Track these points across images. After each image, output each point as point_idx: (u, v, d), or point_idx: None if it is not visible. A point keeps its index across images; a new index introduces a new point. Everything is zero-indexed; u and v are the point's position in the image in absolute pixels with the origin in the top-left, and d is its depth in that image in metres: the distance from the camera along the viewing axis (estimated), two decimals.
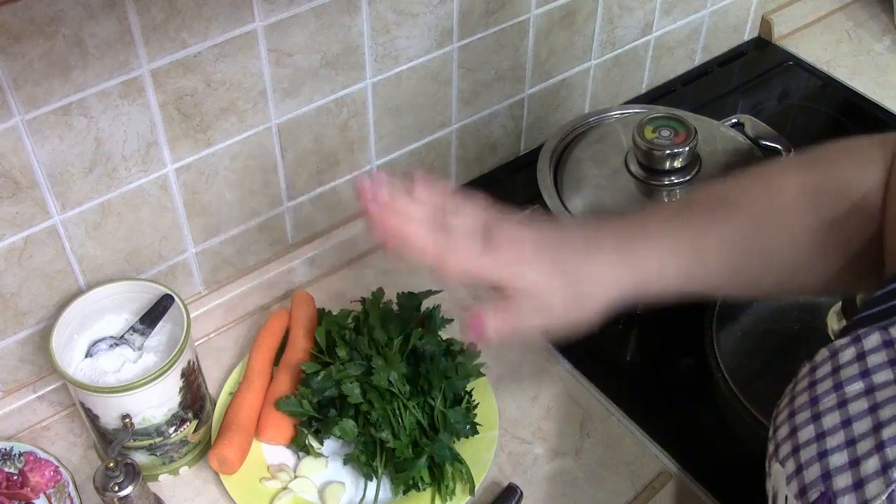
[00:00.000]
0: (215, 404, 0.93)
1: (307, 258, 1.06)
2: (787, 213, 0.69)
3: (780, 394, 0.62)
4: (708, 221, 0.69)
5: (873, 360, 0.54)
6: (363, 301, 0.97)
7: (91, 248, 0.88)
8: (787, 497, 0.55)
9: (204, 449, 0.90)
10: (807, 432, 0.55)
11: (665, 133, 1.00)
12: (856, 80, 1.37)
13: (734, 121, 1.13)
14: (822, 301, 0.98)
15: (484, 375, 0.93)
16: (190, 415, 0.85)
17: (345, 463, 0.89)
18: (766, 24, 1.44)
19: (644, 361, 1.04)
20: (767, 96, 1.36)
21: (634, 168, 1.01)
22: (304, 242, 1.06)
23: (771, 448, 0.59)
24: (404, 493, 0.86)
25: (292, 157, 0.98)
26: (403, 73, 1.01)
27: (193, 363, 0.85)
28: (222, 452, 0.86)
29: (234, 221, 0.98)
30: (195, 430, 0.87)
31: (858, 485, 0.50)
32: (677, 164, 0.99)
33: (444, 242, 0.63)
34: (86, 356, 0.84)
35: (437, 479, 0.86)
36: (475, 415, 0.90)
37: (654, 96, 1.34)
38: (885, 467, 0.49)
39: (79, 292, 0.87)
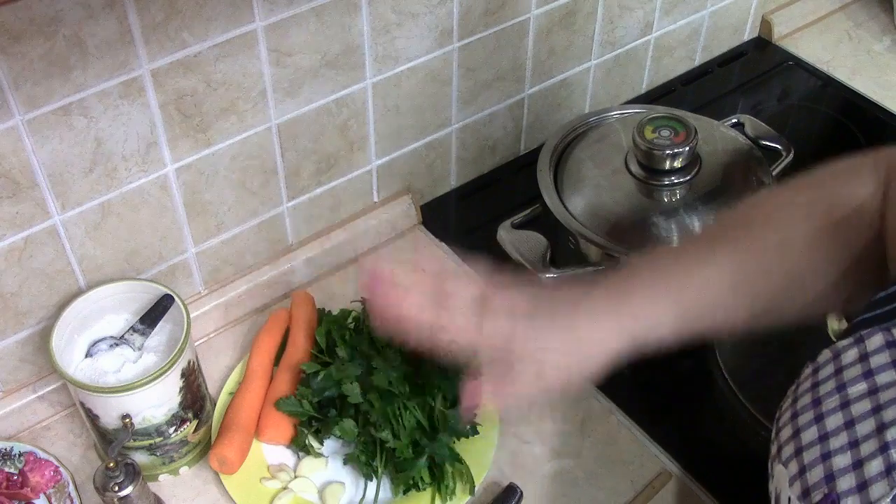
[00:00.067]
0: (215, 404, 0.93)
1: (307, 258, 1.06)
2: (780, 227, 0.69)
3: (781, 393, 0.62)
4: (694, 261, 0.69)
5: (876, 360, 0.54)
6: (363, 301, 0.97)
7: (91, 248, 0.88)
8: (790, 499, 0.55)
9: (204, 449, 0.90)
10: (810, 434, 0.55)
11: (665, 133, 1.00)
12: (856, 80, 1.37)
13: (734, 121, 1.13)
14: None
15: None
16: (190, 415, 0.85)
17: (345, 463, 0.89)
18: (766, 24, 1.44)
19: (644, 361, 1.03)
20: (767, 96, 1.37)
21: (634, 168, 1.01)
22: (304, 242, 1.06)
23: (773, 449, 0.59)
24: (404, 493, 0.86)
25: (292, 157, 0.98)
26: (403, 73, 1.01)
27: (193, 363, 0.85)
28: (222, 452, 0.86)
29: (234, 221, 0.98)
30: (195, 430, 0.87)
31: (862, 486, 0.50)
32: (677, 164, 0.99)
33: (442, 320, 0.64)
34: (86, 356, 0.84)
35: (437, 479, 0.86)
36: (475, 414, 0.90)
37: (654, 96, 1.34)
38: (889, 469, 0.49)
39: (79, 292, 0.87)
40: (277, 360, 0.96)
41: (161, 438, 0.84)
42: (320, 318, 0.98)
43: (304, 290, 1.02)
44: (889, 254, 0.65)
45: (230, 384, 0.94)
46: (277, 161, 0.97)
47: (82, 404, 0.82)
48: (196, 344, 0.98)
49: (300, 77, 0.92)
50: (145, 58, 0.80)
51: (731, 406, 0.92)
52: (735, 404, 0.92)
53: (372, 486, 0.87)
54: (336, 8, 0.90)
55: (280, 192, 1.00)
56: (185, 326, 0.82)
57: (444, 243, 1.12)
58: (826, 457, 0.53)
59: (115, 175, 0.85)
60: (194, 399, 0.86)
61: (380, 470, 0.86)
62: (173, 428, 0.84)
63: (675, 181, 1.00)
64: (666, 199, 1.00)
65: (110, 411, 0.80)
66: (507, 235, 1.02)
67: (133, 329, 0.85)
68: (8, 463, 0.85)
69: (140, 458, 0.85)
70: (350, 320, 0.97)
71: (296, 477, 0.88)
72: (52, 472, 0.84)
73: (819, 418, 0.55)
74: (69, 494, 0.84)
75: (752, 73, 1.40)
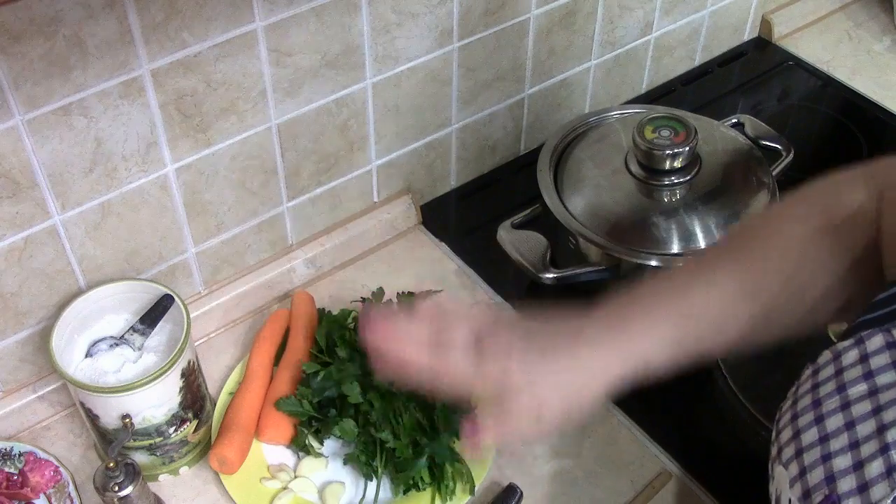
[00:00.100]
0: (215, 404, 0.93)
1: (307, 258, 1.06)
2: (778, 238, 0.69)
3: (781, 394, 0.62)
4: (694, 284, 0.69)
5: (876, 361, 0.54)
6: (363, 301, 0.97)
7: (91, 248, 0.88)
8: (790, 500, 0.55)
9: (204, 449, 0.90)
10: (810, 435, 0.55)
11: (665, 133, 0.99)
12: (856, 80, 1.37)
13: (734, 121, 1.13)
14: None
15: None
16: (190, 415, 0.85)
17: (345, 463, 0.89)
18: (766, 24, 1.44)
19: None
20: (767, 96, 1.37)
21: (634, 168, 1.01)
22: (304, 242, 1.06)
23: (774, 451, 0.59)
24: (404, 493, 0.86)
25: (292, 157, 0.98)
26: (403, 73, 1.01)
27: (193, 363, 0.85)
28: (222, 452, 0.86)
29: (234, 221, 0.98)
30: (195, 430, 0.87)
31: (863, 488, 0.50)
32: (677, 164, 0.99)
33: (439, 361, 0.64)
34: (86, 356, 0.84)
35: (437, 479, 0.85)
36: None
37: (654, 96, 1.34)
38: (889, 470, 0.49)
39: (79, 292, 0.87)
40: (277, 360, 0.96)
41: (161, 438, 0.84)
42: (320, 318, 0.98)
43: (304, 290, 1.02)
44: (885, 261, 0.65)
45: (230, 384, 0.94)
46: (277, 161, 0.97)
47: (82, 404, 0.82)
48: (196, 344, 0.98)
49: (300, 77, 0.92)
50: (145, 58, 0.80)
51: (731, 406, 0.92)
52: (735, 404, 0.92)
53: (372, 486, 0.87)
54: (336, 8, 0.90)
55: (280, 192, 0.99)
56: (185, 326, 0.82)
57: (444, 243, 1.12)
58: (826, 458, 0.53)
59: (115, 175, 0.85)
60: (194, 399, 0.86)
61: (380, 470, 0.86)
62: (173, 428, 0.84)
63: (675, 181, 1.00)
64: (666, 199, 1.00)
65: (110, 411, 0.80)
66: (507, 235, 1.02)
67: (133, 329, 0.85)
68: (8, 463, 0.85)
69: (140, 458, 0.85)
70: (350, 320, 0.97)
71: (296, 477, 0.88)
72: (52, 472, 0.84)
73: (819, 419, 0.55)
74: (69, 494, 0.84)
75: (752, 73, 1.40)
